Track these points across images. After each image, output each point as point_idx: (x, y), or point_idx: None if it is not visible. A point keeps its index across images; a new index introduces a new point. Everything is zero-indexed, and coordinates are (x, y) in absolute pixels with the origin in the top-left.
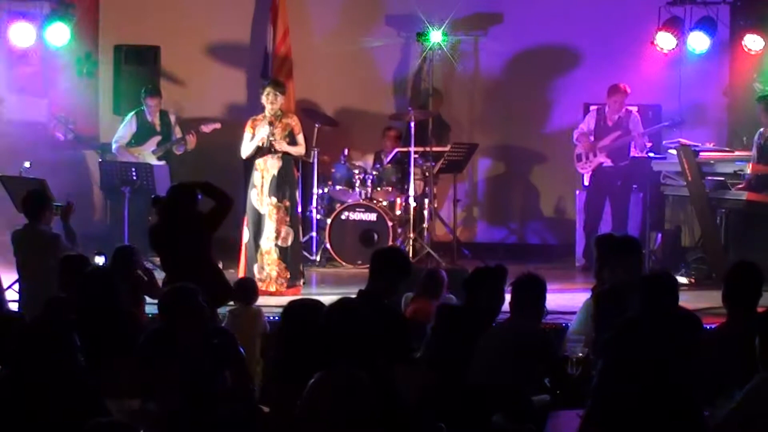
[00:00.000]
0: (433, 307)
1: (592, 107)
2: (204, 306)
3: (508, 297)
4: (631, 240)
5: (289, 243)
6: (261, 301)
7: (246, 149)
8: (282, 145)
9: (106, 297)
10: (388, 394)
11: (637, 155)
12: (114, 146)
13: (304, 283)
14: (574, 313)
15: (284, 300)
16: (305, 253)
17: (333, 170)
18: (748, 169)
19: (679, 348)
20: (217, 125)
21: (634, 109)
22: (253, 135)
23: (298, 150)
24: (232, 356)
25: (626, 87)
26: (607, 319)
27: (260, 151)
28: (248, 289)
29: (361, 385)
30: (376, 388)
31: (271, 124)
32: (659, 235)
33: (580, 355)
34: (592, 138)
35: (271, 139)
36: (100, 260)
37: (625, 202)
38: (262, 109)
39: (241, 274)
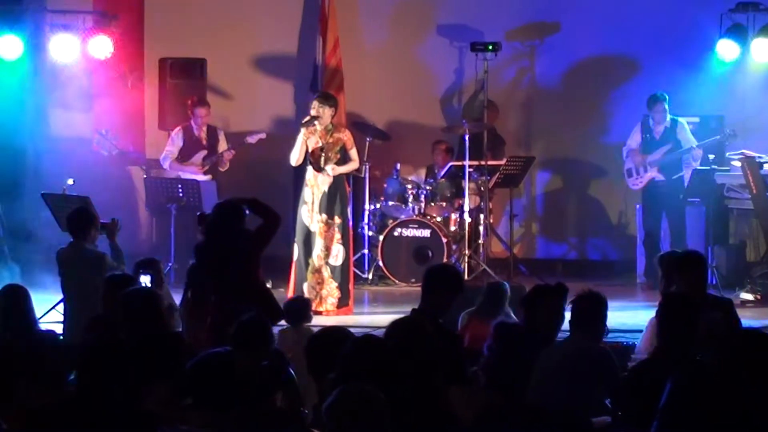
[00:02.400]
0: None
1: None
2: (273, 338)
3: (567, 315)
4: (695, 255)
5: (340, 261)
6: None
7: (294, 154)
8: (336, 170)
9: (149, 317)
10: (443, 416)
11: (699, 168)
12: (165, 163)
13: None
14: (636, 331)
15: (331, 320)
16: (357, 271)
17: (385, 185)
18: None
19: (751, 368)
20: (263, 135)
21: (684, 119)
22: (305, 144)
23: (352, 166)
24: (284, 378)
25: (666, 96)
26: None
27: (312, 165)
28: (299, 310)
29: (376, 403)
30: (431, 409)
31: (322, 149)
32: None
33: None
34: (640, 152)
35: (325, 167)
36: (145, 279)
37: (682, 217)
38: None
39: (290, 293)
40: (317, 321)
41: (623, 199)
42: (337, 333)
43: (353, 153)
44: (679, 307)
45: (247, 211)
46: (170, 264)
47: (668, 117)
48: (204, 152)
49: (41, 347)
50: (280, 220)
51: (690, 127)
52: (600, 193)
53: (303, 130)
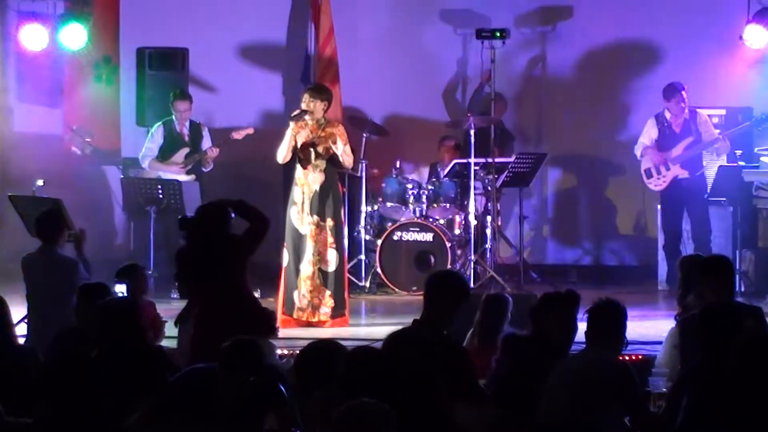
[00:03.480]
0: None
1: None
2: (263, 356)
3: (582, 326)
4: (721, 259)
5: (334, 267)
6: (300, 333)
7: (282, 150)
8: (336, 147)
9: (127, 330)
10: None
11: (725, 164)
12: (144, 162)
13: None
14: (656, 343)
15: (325, 332)
16: (353, 279)
17: (383, 185)
18: None
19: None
20: (250, 130)
21: (712, 112)
22: (294, 140)
23: (347, 159)
24: (276, 397)
25: (683, 85)
26: (695, 349)
27: (299, 161)
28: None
29: (386, 419)
30: (435, 428)
31: (312, 145)
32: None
33: (664, 390)
34: (657, 149)
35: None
36: (121, 288)
37: (706, 218)
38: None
39: (280, 302)
40: (309, 333)
41: (642, 199)
42: (327, 347)
43: (347, 149)
44: (723, 319)
45: (233, 214)
46: (149, 272)
47: (686, 108)
48: (186, 150)
49: (22, 363)
50: (268, 223)
51: (715, 120)
52: (617, 193)
53: (292, 125)
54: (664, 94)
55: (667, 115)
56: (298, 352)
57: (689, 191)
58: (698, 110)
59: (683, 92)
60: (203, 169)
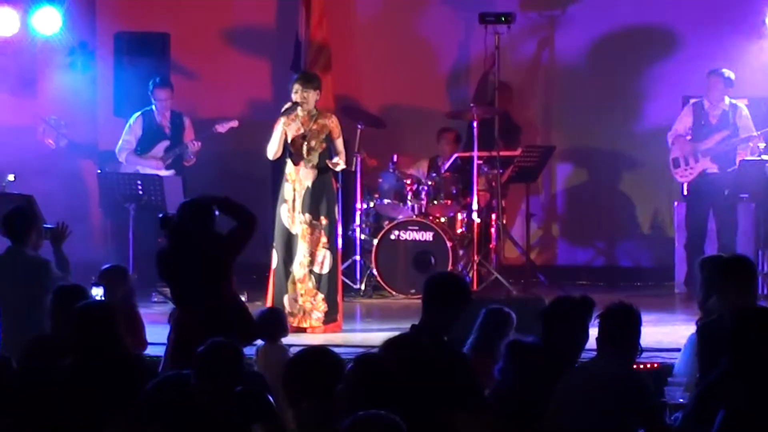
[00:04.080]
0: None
1: (692, 101)
2: (243, 364)
3: (593, 332)
4: (745, 260)
5: (327, 269)
6: (290, 339)
7: (272, 146)
8: (338, 160)
9: (104, 337)
10: None
11: (748, 158)
12: (122, 156)
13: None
14: (674, 350)
15: (317, 338)
16: (347, 281)
17: (380, 180)
18: None
19: None
20: (234, 123)
21: (743, 102)
22: (284, 134)
23: (342, 157)
24: (262, 407)
25: (729, 73)
26: (715, 357)
27: (292, 156)
28: (274, 322)
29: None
30: None
31: (304, 138)
32: None
33: (681, 401)
34: (689, 139)
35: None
36: (98, 292)
37: (734, 216)
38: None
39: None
40: (300, 340)
41: (660, 195)
42: (318, 354)
43: (340, 143)
44: (759, 323)
45: (218, 212)
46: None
47: (727, 99)
48: (166, 143)
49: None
50: (256, 222)
51: None
52: (632, 189)
53: (282, 119)
54: (707, 79)
55: (705, 104)
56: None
57: (718, 188)
58: (739, 104)
59: (727, 81)
60: (185, 163)
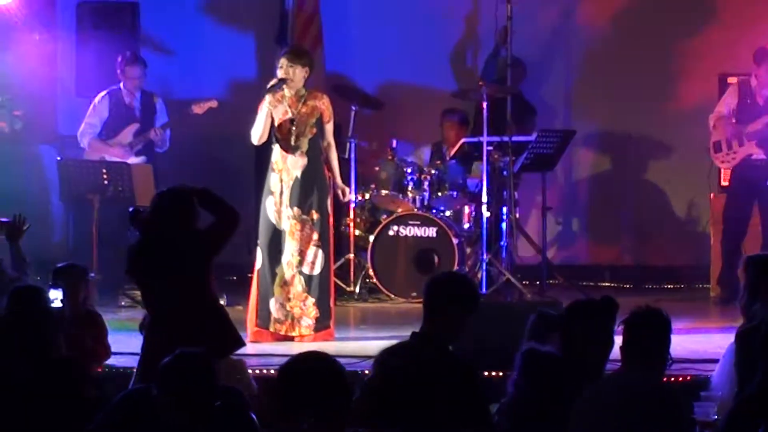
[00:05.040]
0: None
1: (731, 80)
2: (215, 379)
3: (617, 340)
4: None
5: (318, 270)
6: (275, 348)
7: (256, 129)
8: (340, 182)
9: (27, 341)
10: None
11: None
12: (84, 141)
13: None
14: (708, 361)
15: (307, 348)
16: (340, 283)
17: (376, 169)
18: None
19: None
20: (213, 103)
21: None
22: (271, 116)
23: (335, 154)
24: (244, 427)
25: None
26: (757, 368)
27: (278, 142)
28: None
29: None
30: None
31: (292, 122)
32: None
33: (715, 418)
34: (734, 121)
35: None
36: (57, 294)
37: None
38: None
39: (252, 312)
40: (289, 350)
41: (695, 185)
42: (313, 360)
43: (329, 129)
44: None
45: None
46: (92, 275)
47: None
48: (136, 126)
49: None
50: (239, 217)
51: None
52: (662, 178)
53: (268, 98)
54: (755, 57)
55: (753, 82)
56: (275, 371)
57: (763, 175)
58: None
59: None
60: (157, 149)
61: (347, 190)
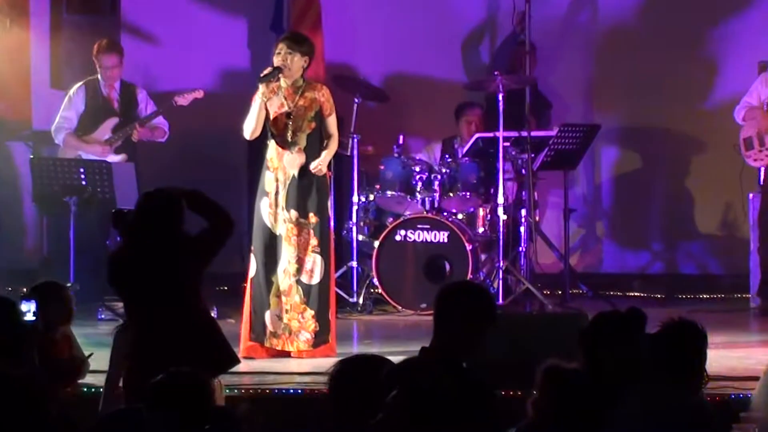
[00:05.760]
0: None
1: None
2: (210, 399)
3: (648, 355)
4: None
5: (318, 279)
6: (270, 365)
7: (249, 123)
8: (323, 166)
9: None
10: None
11: None
12: (58, 136)
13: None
14: (749, 378)
15: (305, 365)
16: (342, 293)
17: (382, 167)
18: None
19: None
20: (198, 93)
21: None
22: (264, 108)
23: (333, 145)
24: None
25: None
26: None
27: (273, 137)
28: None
29: None
30: None
31: (289, 115)
32: None
33: None
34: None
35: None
36: (29, 307)
37: None
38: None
39: (245, 326)
40: (285, 366)
41: (732, 185)
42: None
43: (332, 122)
44: None
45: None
46: (69, 285)
47: None
48: (115, 120)
49: None
50: (232, 223)
51: None
52: (694, 178)
53: (262, 88)
54: None
55: None
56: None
57: None
58: None
59: None
60: (133, 138)
61: (323, 168)
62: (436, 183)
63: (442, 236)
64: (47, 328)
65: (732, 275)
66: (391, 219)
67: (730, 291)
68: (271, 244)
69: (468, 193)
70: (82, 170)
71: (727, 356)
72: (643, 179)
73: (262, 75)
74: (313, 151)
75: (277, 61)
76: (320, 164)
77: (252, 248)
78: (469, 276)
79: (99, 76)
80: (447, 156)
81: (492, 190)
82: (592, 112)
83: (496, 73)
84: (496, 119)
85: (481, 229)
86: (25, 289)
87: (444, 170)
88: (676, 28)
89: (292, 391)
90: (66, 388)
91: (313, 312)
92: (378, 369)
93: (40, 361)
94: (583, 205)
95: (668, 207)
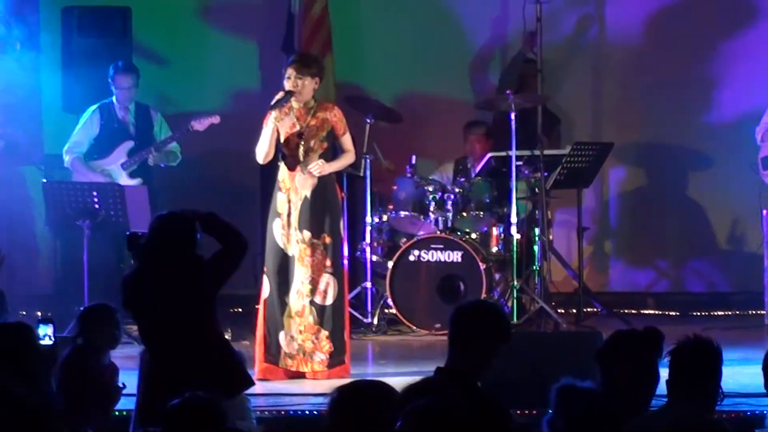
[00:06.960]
0: None
1: None
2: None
3: (664, 373)
4: None
5: (331, 300)
6: (286, 387)
7: (262, 147)
8: (324, 168)
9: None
10: None
11: None
12: (68, 159)
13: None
14: (763, 395)
15: (321, 386)
16: (356, 314)
17: (395, 188)
18: None
19: None
20: (215, 119)
21: None
22: (276, 131)
23: (346, 159)
24: None
25: None
26: None
27: (285, 159)
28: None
29: None
30: None
31: (300, 135)
32: None
33: None
34: None
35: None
36: (46, 330)
37: None
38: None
39: (259, 347)
40: (300, 388)
41: (744, 201)
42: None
43: (347, 140)
44: None
45: (200, 232)
46: (82, 309)
47: None
48: (130, 144)
49: None
50: (246, 244)
51: None
52: (706, 195)
53: (274, 113)
54: None
55: None
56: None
57: None
58: None
59: None
60: (170, 164)
61: (323, 168)
62: (449, 203)
63: (456, 256)
64: (95, 352)
65: (745, 293)
66: (404, 239)
67: (743, 309)
68: (284, 264)
69: (481, 213)
70: (95, 193)
71: (742, 373)
72: (653, 196)
73: (273, 102)
74: (327, 173)
75: (287, 85)
76: (321, 164)
77: (265, 269)
78: (483, 295)
79: (114, 99)
80: (460, 176)
81: (505, 210)
82: (600, 129)
83: (508, 92)
84: (505, 138)
85: (494, 249)
86: (39, 313)
87: (457, 190)
88: (683, 45)
89: (308, 412)
90: (105, 414)
91: (327, 333)
92: (377, 395)
93: (86, 384)
94: (595, 222)
95: (678, 223)
